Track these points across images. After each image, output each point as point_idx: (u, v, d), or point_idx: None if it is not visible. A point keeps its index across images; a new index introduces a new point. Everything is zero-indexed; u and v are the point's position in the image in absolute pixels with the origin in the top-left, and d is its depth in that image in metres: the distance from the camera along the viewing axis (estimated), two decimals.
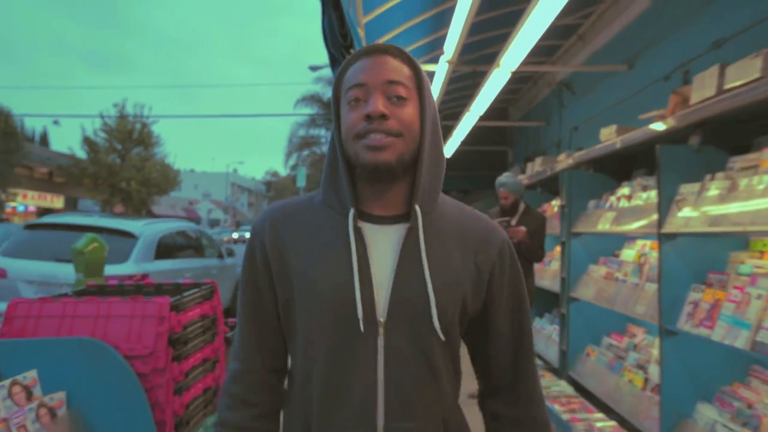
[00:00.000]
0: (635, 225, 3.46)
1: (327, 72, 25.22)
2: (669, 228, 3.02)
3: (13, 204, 28.62)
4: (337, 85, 1.01)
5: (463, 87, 7.15)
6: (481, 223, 1.04)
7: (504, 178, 4.19)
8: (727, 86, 2.63)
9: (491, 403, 1.08)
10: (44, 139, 42.82)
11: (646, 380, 3.53)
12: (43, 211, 31.85)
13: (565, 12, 3.88)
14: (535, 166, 5.88)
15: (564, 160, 4.91)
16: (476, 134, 7.66)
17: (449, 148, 8.17)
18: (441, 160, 1.02)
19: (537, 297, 5.68)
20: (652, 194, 3.43)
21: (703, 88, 2.88)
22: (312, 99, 27.11)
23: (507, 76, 4.74)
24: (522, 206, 4.19)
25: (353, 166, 0.96)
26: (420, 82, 0.98)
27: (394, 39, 5.41)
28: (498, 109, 8.99)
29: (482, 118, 6.52)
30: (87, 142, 29.47)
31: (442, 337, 0.93)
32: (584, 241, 4.57)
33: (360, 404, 0.92)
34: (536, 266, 5.74)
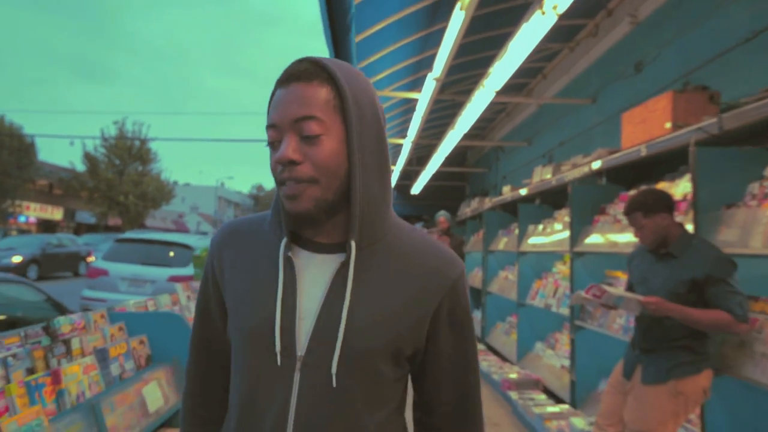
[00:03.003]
0: (511, 247, 6.10)
1: None
2: (522, 248, 5.65)
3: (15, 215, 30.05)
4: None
5: (425, 145, 9.80)
6: (434, 254, 0.91)
7: (442, 212, 6.84)
8: (543, 178, 5.28)
9: None
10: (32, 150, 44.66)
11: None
12: (43, 222, 33.45)
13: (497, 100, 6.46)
14: (473, 205, 8.55)
15: (487, 203, 7.56)
16: (442, 173, 10.30)
17: (419, 185, 10.84)
18: (385, 185, 0.90)
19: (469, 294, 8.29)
20: (528, 230, 6.07)
21: (537, 176, 5.53)
22: None
23: (450, 148, 7.40)
24: (451, 231, 6.80)
25: None
26: (344, 102, 0.84)
27: None
28: (459, 154, 11.67)
29: (444, 163, 9.14)
30: (88, 157, 31.39)
31: (333, 382, 0.83)
32: (496, 256, 7.20)
33: None
34: (471, 273, 8.35)
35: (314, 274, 0.88)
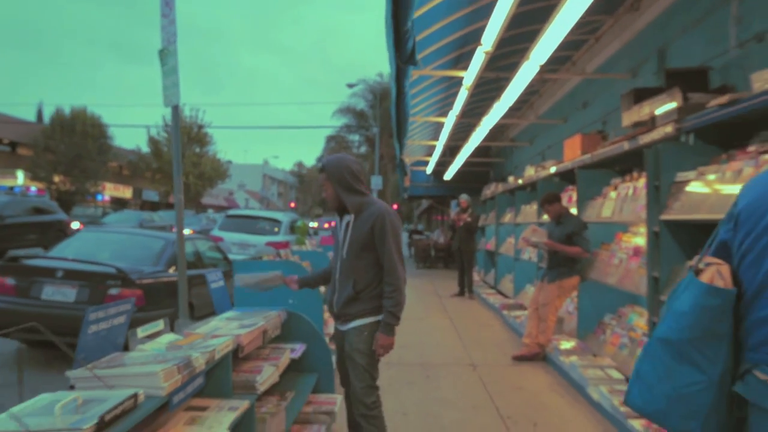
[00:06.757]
0: (511, 220, 8.77)
1: (359, 88, 30.95)
2: (517, 221, 8.30)
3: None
4: None
5: (453, 145, 12.42)
6: (373, 211, 2.64)
7: (464, 194, 9.52)
8: (529, 174, 7.89)
9: None
10: None
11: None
12: (116, 200, 36.73)
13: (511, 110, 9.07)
14: (491, 189, 11.20)
15: (499, 188, 10.20)
16: (471, 161, 12.94)
17: (450, 173, 13.52)
18: (355, 193, 2.66)
19: (486, 256, 11.02)
20: (521, 208, 8.70)
21: (527, 172, 8.14)
22: (347, 110, 32.59)
23: (473, 148, 10.04)
24: (470, 209, 9.47)
25: None
26: (328, 176, 2.69)
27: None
28: (484, 146, 14.24)
29: (472, 153, 11.76)
30: (152, 141, 34.40)
31: (349, 257, 2.68)
32: (504, 228, 9.85)
33: (335, 274, 2.81)
34: (488, 240, 11.03)
35: (346, 225, 2.78)
